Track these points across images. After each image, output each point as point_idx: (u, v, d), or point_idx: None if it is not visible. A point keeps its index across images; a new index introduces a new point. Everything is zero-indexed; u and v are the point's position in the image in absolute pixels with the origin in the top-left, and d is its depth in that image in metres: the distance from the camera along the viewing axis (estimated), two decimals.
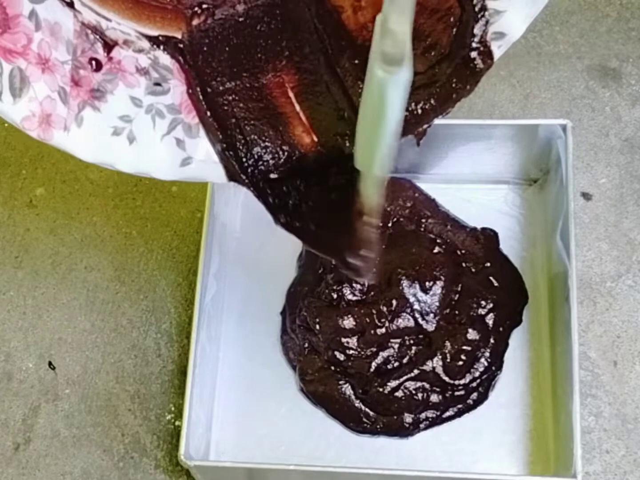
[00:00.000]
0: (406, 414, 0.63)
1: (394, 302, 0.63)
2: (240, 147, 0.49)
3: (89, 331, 0.69)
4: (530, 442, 0.61)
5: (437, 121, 0.64)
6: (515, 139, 0.66)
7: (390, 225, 0.67)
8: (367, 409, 0.64)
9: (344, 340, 0.63)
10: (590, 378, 0.64)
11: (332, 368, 0.64)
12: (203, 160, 0.49)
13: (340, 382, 0.64)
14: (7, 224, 0.74)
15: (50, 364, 0.68)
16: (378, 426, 0.63)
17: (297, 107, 0.50)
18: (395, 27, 0.35)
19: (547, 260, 0.66)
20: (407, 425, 0.63)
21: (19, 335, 0.70)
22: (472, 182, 0.69)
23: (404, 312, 0.63)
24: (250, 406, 0.64)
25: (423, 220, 0.67)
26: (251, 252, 0.70)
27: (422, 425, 0.63)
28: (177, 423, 0.65)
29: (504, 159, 0.67)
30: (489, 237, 0.66)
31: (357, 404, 0.64)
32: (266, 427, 0.64)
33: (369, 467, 0.61)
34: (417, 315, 0.63)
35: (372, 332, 0.63)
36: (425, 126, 0.50)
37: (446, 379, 0.63)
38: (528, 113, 0.73)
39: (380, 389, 0.63)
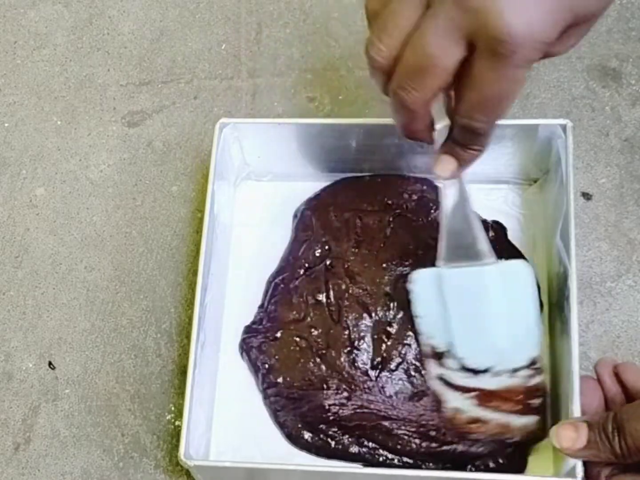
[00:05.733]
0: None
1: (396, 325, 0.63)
2: None
3: (89, 331, 0.69)
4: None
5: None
6: (515, 139, 0.65)
7: (391, 219, 0.67)
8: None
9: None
10: None
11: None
12: None
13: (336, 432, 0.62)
14: (7, 224, 0.74)
15: (50, 364, 0.68)
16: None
17: None
18: None
19: (547, 260, 0.66)
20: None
21: (19, 335, 0.70)
22: (472, 182, 0.69)
23: (409, 334, 0.63)
24: (250, 406, 0.64)
25: (432, 211, 0.67)
26: (251, 252, 0.70)
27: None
28: (177, 423, 0.65)
29: (504, 159, 0.67)
30: (498, 230, 0.66)
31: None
32: (266, 427, 0.64)
33: (368, 467, 0.61)
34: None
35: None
36: None
37: None
38: (528, 113, 0.73)
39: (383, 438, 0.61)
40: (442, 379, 0.58)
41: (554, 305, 0.64)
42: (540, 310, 0.64)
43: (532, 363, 0.57)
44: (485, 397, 0.57)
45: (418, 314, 0.59)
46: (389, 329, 0.63)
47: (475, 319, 0.57)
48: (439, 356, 0.58)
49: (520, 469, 0.60)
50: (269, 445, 0.63)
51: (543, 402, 0.58)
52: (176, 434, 0.65)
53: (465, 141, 0.51)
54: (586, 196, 0.70)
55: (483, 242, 0.56)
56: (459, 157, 0.52)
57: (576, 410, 0.55)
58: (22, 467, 0.65)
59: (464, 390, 0.57)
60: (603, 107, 0.73)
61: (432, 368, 0.58)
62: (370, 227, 0.67)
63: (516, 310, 0.57)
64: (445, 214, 0.56)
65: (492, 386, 0.57)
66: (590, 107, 0.73)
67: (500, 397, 0.57)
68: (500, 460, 0.60)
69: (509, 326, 0.57)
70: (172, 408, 0.66)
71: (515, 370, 0.57)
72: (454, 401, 0.58)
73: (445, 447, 0.60)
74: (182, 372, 0.66)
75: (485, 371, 0.57)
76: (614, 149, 0.72)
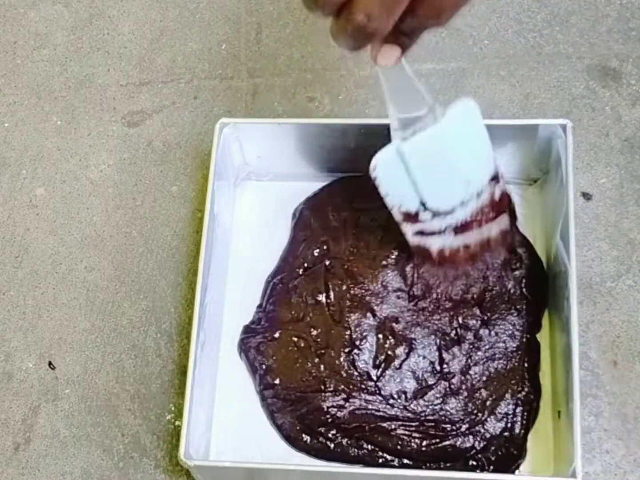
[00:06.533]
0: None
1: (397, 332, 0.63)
2: None
3: (89, 331, 0.69)
4: (531, 442, 0.61)
5: None
6: (515, 139, 0.66)
7: (389, 218, 0.66)
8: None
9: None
10: (590, 378, 0.64)
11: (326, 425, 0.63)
12: None
13: (336, 435, 0.62)
14: (7, 224, 0.74)
15: (50, 364, 0.68)
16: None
17: None
18: None
19: (547, 260, 0.66)
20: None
21: (19, 335, 0.70)
22: None
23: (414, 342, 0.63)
24: (251, 406, 0.64)
25: None
26: (251, 252, 0.70)
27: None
28: (177, 423, 0.65)
29: (504, 159, 0.67)
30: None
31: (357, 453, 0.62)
32: (266, 427, 0.64)
33: (368, 467, 0.61)
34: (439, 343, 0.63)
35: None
36: None
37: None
38: (528, 113, 0.73)
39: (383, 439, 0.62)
40: (420, 233, 0.59)
41: (554, 305, 0.64)
42: (541, 311, 0.65)
43: (493, 177, 0.58)
44: (462, 226, 0.58)
45: (386, 192, 0.59)
46: (392, 327, 0.63)
47: (440, 170, 0.57)
48: (413, 217, 0.59)
49: (519, 456, 0.61)
50: (269, 445, 0.63)
51: (510, 200, 0.59)
52: (176, 434, 0.65)
53: (418, 34, 0.50)
54: (586, 196, 0.70)
55: (426, 97, 0.55)
56: (404, 45, 0.51)
57: (576, 409, 0.55)
58: (22, 467, 0.65)
59: (443, 231, 0.59)
60: (603, 107, 0.73)
61: (409, 229, 0.59)
62: (368, 226, 0.67)
63: (474, 143, 0.57)
64: (390, 92, 0.55)
65: (466, 214, 0.58)
66: (590, 107, 0.73)
67: (474, 220, 0.59)
68: (500, 452, 0.60)
69: (471, 159, 0.57)
70: (172, 408, 0.66)
71: (480, 193, 0.58)
72: (436, 244, 0.59)
73: (445, 443, 0.60)
74: (182, 372, 0.66)
75: (456, 206, 0.58)
76: (614, 149, 0.72)
